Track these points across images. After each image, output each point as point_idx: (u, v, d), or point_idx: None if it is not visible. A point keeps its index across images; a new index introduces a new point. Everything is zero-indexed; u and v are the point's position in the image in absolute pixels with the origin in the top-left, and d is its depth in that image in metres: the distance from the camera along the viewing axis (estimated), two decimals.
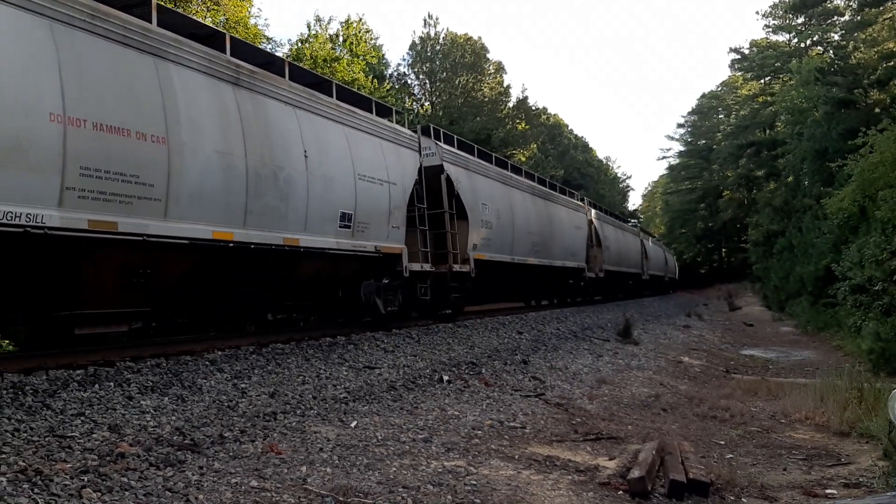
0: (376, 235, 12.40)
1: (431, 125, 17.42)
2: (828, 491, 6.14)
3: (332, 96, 12.02)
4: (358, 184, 11.80)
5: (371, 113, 13.09)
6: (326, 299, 12.90)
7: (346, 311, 13.45)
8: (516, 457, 6.34)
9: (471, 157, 17.85)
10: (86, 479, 4.46)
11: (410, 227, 13.91)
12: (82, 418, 5.70)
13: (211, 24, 11.95)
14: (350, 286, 12.55)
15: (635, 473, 5.75)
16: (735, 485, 6.18)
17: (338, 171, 11.38)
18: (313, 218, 10.75)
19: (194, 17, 12.10)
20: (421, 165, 14.56)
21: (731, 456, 7.51)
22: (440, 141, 16.23)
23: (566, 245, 24.82)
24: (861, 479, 6.52)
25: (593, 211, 30.58)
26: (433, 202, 15.31)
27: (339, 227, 11.41)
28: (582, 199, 30.58)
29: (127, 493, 4.37)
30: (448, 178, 15.76)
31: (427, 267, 14.31)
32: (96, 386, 6.65)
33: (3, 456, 4.62)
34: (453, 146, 16.99)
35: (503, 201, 19.06)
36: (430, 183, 15.22)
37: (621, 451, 6.88)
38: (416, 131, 15.08)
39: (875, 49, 29.60)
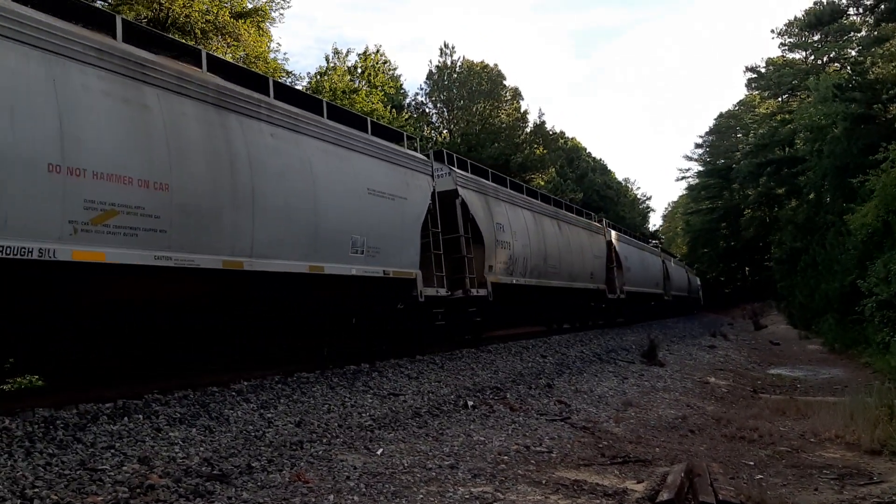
0: None
1: None
2: None
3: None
4: None
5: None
6: None
7: None
8: (544, 482, 6.31)
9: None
10: None
11: None
12: (112, 451, 5.77)
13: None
14: None
15: (664, 496, 5.71)
16: None
17: None
18: None
19: None
20: None
21: (760, 476, 7.43)
22: None
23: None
24: (894, 498, 6.43)
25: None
26: None
27: None
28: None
29: None
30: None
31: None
32: (125, 418, 6.72)
33: (36, 490, 4.68)
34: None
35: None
36: None
37: (649, 474, 6.83)
38: None
39: (893, 64, 29.42)
